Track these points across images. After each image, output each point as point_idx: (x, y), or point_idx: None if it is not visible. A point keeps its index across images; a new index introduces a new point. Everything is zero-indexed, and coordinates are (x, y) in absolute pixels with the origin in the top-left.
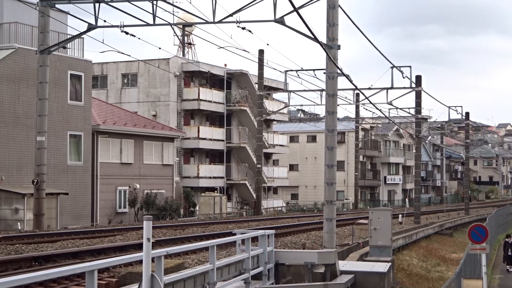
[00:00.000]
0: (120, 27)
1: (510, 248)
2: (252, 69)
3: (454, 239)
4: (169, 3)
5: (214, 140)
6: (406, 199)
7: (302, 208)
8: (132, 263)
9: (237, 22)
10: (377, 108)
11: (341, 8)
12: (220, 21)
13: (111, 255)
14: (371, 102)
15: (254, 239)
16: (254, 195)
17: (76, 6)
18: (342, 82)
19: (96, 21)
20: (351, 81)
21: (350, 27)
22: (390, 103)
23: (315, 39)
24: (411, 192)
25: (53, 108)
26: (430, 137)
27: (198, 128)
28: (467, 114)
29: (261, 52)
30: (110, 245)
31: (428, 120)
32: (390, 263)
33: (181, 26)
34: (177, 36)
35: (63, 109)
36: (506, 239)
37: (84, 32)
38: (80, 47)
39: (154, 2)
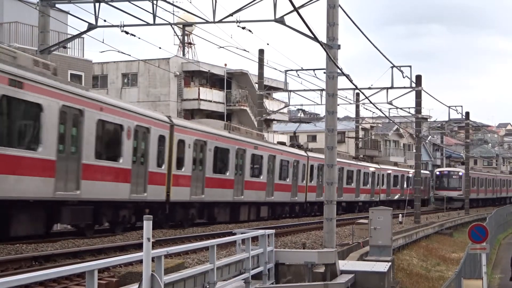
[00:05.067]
0: (120, 26)
1: None
2: (252, 69)
3: (454, 238)
4: (169, 3)
5: None
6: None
7: None
8: (132, 263)
9: (237, 21)
10: (377, 108)
11: (341, 7)
12: (220, 21)
13: (111, 255)
14: (371, 102)
15: (254, 239)
16: None
17: (76, 6)
18: (342, 81)
19: (96, 20)
20: (351, 81)
21: (350, 27)
22: (390, 103)
23: (315, 38)
24: None
25: None
26: (430, 136)
27: None
28: (467, 113)
29: (261, 52)
30: (110, 245)
31: (428, 119)
32: (390, 263)
33: (181, 26)
34: (177, 36)
35: None
36: None
37: (84, 32)
38: (80, 47)
39: (154, 2)
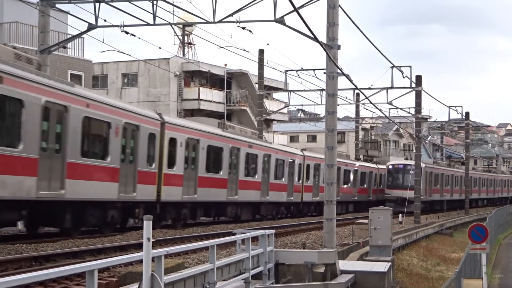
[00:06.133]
0: (120, 26)
1: None
2: (252, 69)
3: (454, 238)
4: (169, 3)
5: None
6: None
7: None
8: (132, 263)
9: (237, 22)
10: (377, 108)
11: (341, 7)
12: (220, 21)
13: (111, 255)
14: (371, 102)
15: (254, 239)
16: None
17: (76, 6)
18: (342, 82)
19: (96, 20)
20: (351, 81)
21: (350, 27)
22: (390, 103)
23: (315, 39)
24: None
25: None
26: (430, 137)
27: None
28: (467, 114)
29: (261, 52)
30: (110, 244)
31: (428, 120)
32: (390, 263)
33: (181, 26)
34: (177, 36)
35: None
36: None
37: (84, 32)
38: (80, 47)
39: (154, 2)
